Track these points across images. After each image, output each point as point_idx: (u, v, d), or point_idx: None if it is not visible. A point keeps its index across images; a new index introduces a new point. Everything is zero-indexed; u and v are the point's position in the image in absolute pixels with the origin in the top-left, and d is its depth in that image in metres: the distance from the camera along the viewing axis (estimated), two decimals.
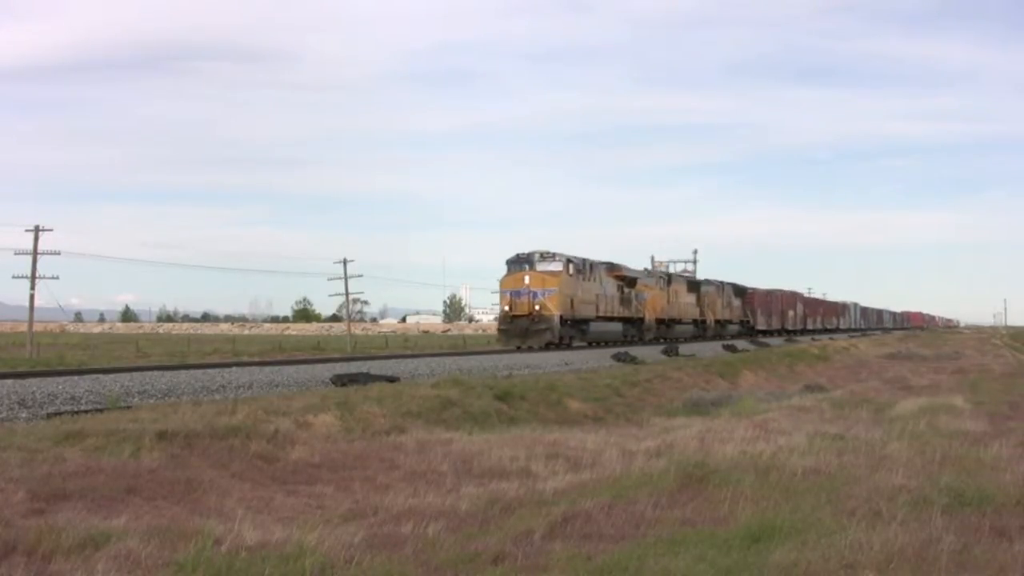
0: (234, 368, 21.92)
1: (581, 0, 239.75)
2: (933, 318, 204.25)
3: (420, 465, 11.67)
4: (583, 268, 39.30)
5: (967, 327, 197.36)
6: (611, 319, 42.01)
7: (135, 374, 19.04)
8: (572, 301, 37.37)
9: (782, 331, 76.56)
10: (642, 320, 46.02)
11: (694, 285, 57.54)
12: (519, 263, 37.25)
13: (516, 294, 36.26)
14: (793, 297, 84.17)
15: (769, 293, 75.51)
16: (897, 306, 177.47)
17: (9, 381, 16.39)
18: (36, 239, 51.31)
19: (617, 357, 33.00)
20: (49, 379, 17.19)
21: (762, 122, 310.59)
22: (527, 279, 36.30)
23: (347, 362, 25.00)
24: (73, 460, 9.75)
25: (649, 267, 67.26)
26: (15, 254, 52.02)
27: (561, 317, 36.23)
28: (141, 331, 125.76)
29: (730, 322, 62.87)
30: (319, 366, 23.17)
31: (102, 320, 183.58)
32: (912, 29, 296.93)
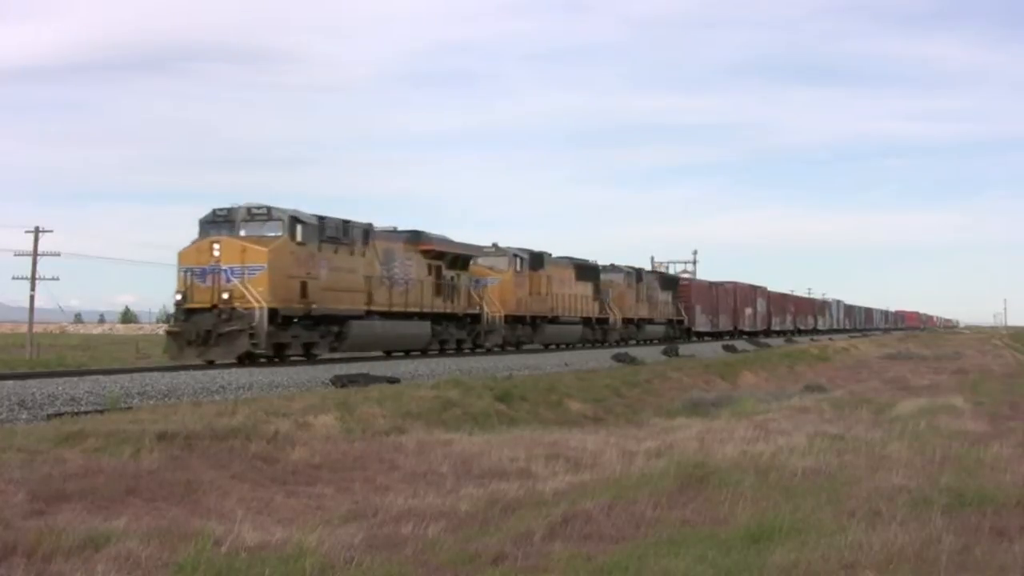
0: (234, 369, 21.91)
1: (581, 0, 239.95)
2: (931, 318, 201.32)
3: (420, 466, 11.67)
4: (337, 234, 25.37)
5: (967, 327, 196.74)
6: (405, 315, 28.44)
7: (135, 375, 19.04)
8: (304, 286, 23.82)
9: (734, 333, 62.93)
10: (477, 316, 33.02)
11: (588, 272, 43.04)
12: (214, 224, 23.63)
13: (199, 274, 22.67)
14: (752, 291, 70.71)
15: (714, 286, 62.78)
16: (894, 305, 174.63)
17: (9, 382, 16.39)
18: (36, 240, 51.38)
19: (617, 358, 33.02)
20: (49, 380, 17.19)
21: (762, 122, 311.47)
22: (217, 249, 22.68)
23: (347, 363, 24.97)
24: (73, 461, 9.75)
25: (649, 267, 64.96)
26: (15, 255, 52.10)
27: (274, 312, 22.70)
28: (141, 332, 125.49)
29: (650, 321, 49.75)
30: (319, 367, 23.14)
31: (102, 321, 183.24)
32: (912, 29, 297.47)
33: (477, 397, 17.84)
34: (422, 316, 29.61)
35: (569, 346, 40.89)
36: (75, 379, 17.60)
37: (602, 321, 43.84)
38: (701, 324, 57.53)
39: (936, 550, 6.77)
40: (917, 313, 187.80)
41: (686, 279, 59.40)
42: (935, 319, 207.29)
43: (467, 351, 32.57)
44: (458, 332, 32.20)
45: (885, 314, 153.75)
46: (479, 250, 34.87)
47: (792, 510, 8.23)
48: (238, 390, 17.67)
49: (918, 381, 31.85)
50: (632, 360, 32.49)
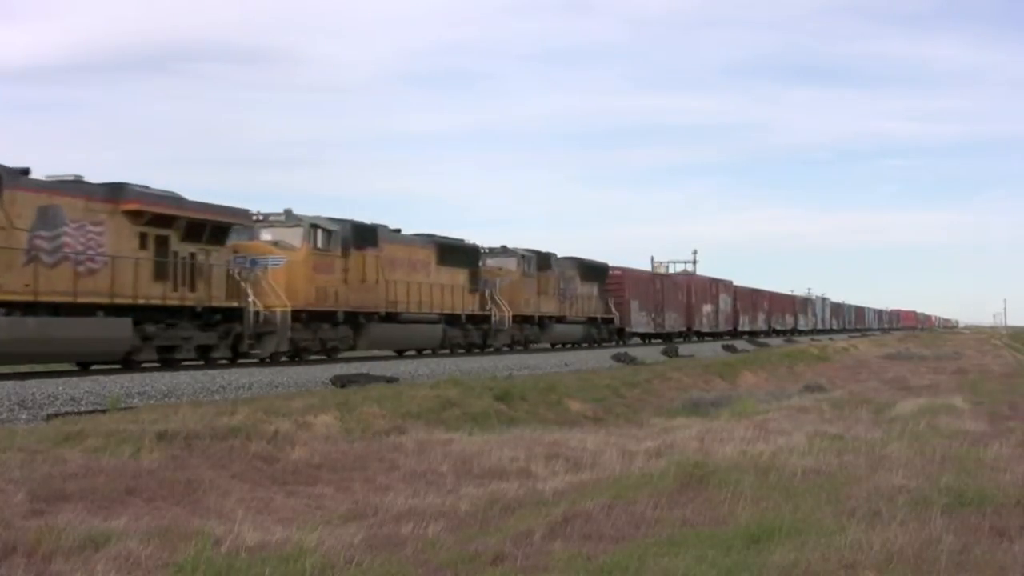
0: (234, 369, 21.93)
1: (581, 0, 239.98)
2: (929, 318, 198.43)
3: (420, 466, 11.68)
4: None
5: (966, 327, 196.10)
6: (81, 308, 19.06)
7: (135, 375, 19.04)
8: None
9: (687, 334, 54.69)
10: (238, 312, 22.67)
11: (459, 255, 32.96)
12: None
13: None
14: (712, 285, 60.73)
15: (659, 278, 52.84)
16: (893, 305, 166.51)
17: (9, 382, 16.40)
18: None
19: (617, 357, 33.03)
20: (49, 380, 17.19)
21: (762, 122, 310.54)
22: None
23: (347, 363, 24.97)
24: (73, 461, 9.76)
25: (649, 267, 62.25)
26: None
27: None
28: None
29: (561, 319, 39.75)
30: (319, 367, 23.16)
31: None
32: (912, 29, 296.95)
33: (477, 397, 17.83)
34: (118, 311, 19.80)
35: (433, 353, 31.42)
36: (75, 379, 17.61)
37: (480, 319, 33.88)
38: (639, 323, 47.76)
39: (936, 550, 6.77)
40: (914, 312, 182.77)
41: (619, 268, 47.37)
42: (933, 319, 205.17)
43: (222, 363, 22.68)
44: (201, 335, 21.95)
45: (879, 313, 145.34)
46: (247, 217, 24.27)
47: (792, 510, 8.24)
48: (238, 390, 17.70)
49: (918, 381, 31.87)
50: (632, 360, 32.52)
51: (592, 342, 42.81)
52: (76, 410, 13.73)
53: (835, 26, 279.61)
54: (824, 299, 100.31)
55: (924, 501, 8.42)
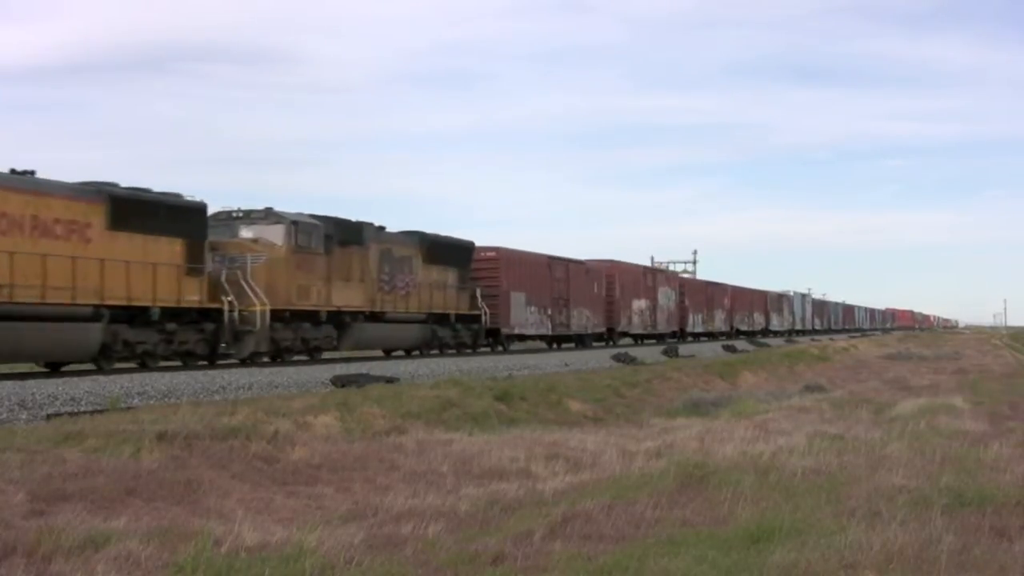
0: (234, 369, 21.93)
1: (581, 0, 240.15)
2: (927, 317, 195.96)
3: (420, 466, 11.68)
4: None
5: (966, 327, 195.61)
6: None
7: (135, 375, 19.05)
8: None
9: (609, 338, 43.77)
10: None
11: (158, 215, 21.51)
12: None
13: None
14: (647, 276, 49.03)
15: (558, 264, 39.31)
16: (888, 304, 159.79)
17: (9, 383, 16.41)
18: None
19: (617, 358, 33.06)
20: (49, 380, 17.20)
21: (762, 122, 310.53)
22: None
23: (347, 363, 24.96)
24: (73, 461, 9.76)
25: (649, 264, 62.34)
26: None
27: None
28: None
29: (378, 316, 27.92)
30: (319, 367, 23.16)
31: None
32: (912, 29, 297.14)
33: (477, 397, 17.83)
34: None
35: (89, 365, 20.72)
36: (75, 379, 17.62)
37: (207, 315, 22.69)
38: (524, 323, 36.17)
39: (936, 550, 6.77)
40: (911, 312, 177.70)
41: (492, 249, 35.01)
42: (932, 318, 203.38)
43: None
44: None
45: (871, 312, 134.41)
46: None
47: (792, 510, 8.24)
48: (238, 390, 17.70)
49: (918, 381, 31.85)
50: (632, 360, 32.56)
51: (444, 348, 31.60)
52: (76, 410, 13.73)
53: (835, 26, 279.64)
54: (804, 296, 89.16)
55: (924, 501, 8.42)
